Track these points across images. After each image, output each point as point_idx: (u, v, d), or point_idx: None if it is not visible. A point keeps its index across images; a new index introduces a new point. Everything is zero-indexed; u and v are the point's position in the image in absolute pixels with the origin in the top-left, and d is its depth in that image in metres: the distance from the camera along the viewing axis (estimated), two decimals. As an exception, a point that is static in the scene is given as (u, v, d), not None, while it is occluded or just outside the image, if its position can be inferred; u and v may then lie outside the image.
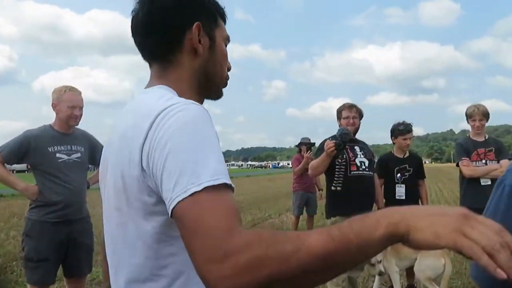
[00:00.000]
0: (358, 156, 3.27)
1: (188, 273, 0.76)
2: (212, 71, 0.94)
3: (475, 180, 3.69)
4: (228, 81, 1.00)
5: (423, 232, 0.57)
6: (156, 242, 0.77)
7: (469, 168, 3.71)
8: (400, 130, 3.86)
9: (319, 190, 6.46)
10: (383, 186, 3.89)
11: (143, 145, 0.73)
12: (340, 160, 3.21)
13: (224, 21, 0.98)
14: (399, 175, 3.82)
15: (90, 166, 3.15)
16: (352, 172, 3.20)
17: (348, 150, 3.26)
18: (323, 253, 0.58)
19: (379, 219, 0.60)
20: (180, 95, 0.84)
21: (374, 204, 3.54)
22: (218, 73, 0.95)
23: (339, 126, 3.42)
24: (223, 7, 0.96)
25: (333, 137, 3.23)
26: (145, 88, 0.92)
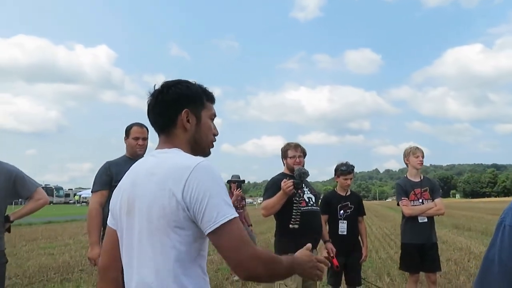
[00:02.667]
0: (306, 192, 3.37)
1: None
2: (199, 139, 1.38)
3: (413, 218, 4.06)
4: None
5: (304, 271, 1.34)
6: (184, 250, 1.20)
7: (408, 207, 4.08)
8: (342, 171, 4.13)
9: (249, 226, 6.56)
10: (327, 222, 4.09)
11: (184, 187, 1.17)
12: (298, 198, 3.25)
13: (213, 102, 1.43)
14: (342, 211, 4.06)
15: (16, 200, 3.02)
16: (302, 208, 3.25)
17: (303, 184, 3.35)
18: (285, 271, 1.26)
19: (292, 263, 1.30)
20: None
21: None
22: (204, 140, 1.39)
23: (285, 164, 3.53)
24: (211, 93, 1.42)
25: (289, 176, 3.31)
26: (157, 149, 1.36)
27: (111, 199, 1.41)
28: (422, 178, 4.21)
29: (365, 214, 4.33)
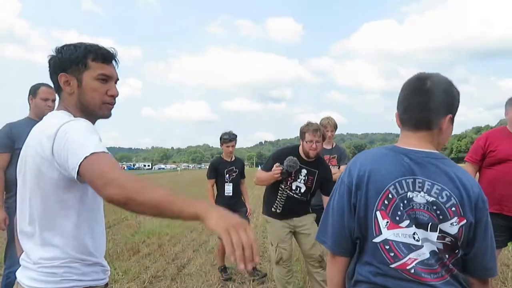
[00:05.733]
0: (298, 180, 3.42)
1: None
2: (85, 102, 1.38)
3: None
4: None
5: (211, 222, 0.99)
6: (55, 198, 1.27)
7: None
8: (225, 139, 4.62)
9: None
10: (214, 185, 4.66)
11: (53, 142, 1.22)
12: (283, 186, 3.40)
13: (104, 61, 1.38)
14: (227, 175, 4.61)
15: None
16: (287, 193, 3.44)
17: (292, 173, 3.38)
18: (156, 202, 1.06)
19: (196, 205, 1.04)
20: (74, 116, 1.34)
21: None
22: (90, 102, 1.38)
23: (301, 145, 3.43)
24: (102, 51, 1.37)
25: (281, 163, 3.32)
26: (55, 110, 1.41)
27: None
28: (333, 146, 4.52)
29: (245, 177, 4.86)
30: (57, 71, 1.37)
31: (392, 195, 1.25)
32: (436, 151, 1.32)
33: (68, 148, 1.18)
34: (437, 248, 1.25)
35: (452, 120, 1.34)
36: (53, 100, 3.15)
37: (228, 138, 4.58)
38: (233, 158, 4.71)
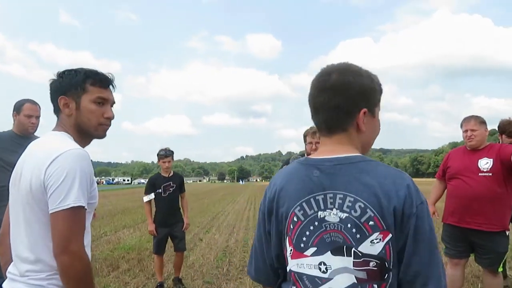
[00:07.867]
0: None
1: None
2: (82, 124, 1.46)
3: None
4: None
5: None
6: (48, 225, 1.30)
7: None
8: (161, 155, 4.70)
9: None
10: (152, 201, 4.73)
11: (46, 170, 1.29)
12: None
13: (102, 86, 1.47)
14: (164, 190, 4.70)
15: None
16: None
17: None
18: None
19: None
20: (74, 139, 1.44)
21: None
22: (87, 123, 1.46)
23: (306, 149, 3.62)
24: (99, 76, 1.47)
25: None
26: (53, 130, 1.47)
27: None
28: None
29: (185, 191, 4.94)
30: (57, 94, 1.45)
31: (298, 218, 1.07)
32: (353, 154, 1.09)
33: (54, 188, 1.27)
34: (356, 278, 1.00)
35: (372, 114, 1.12)
36: (37, 117, 3.17)
37: (164, 154, 4.68)
38: (171, 174, 4.80)
